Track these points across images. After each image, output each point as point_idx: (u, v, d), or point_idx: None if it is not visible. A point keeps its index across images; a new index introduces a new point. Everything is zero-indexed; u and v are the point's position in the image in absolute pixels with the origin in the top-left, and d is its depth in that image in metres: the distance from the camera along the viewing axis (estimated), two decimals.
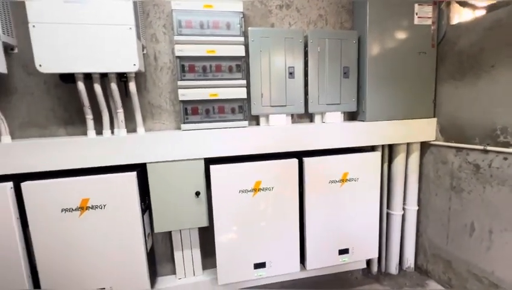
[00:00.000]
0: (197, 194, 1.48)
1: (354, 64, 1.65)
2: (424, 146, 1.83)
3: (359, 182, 1.62)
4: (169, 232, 1.64)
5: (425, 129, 1.75)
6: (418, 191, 1.89)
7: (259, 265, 1.57)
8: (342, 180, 1.60)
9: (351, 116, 1.82)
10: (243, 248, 1.53)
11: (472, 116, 1.53)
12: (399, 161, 1.82)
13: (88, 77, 1.31)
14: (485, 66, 1.45)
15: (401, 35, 1.64)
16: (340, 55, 1.62)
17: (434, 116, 1.76)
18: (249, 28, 1.51)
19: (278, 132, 1.56)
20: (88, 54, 1.23)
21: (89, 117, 1.37)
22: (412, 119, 1.72)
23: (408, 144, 1.82)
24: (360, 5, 1.66)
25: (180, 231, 1.61)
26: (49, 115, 1.47)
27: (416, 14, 1.64)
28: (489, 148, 1.43)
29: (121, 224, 1.36)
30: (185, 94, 1.46)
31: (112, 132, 1.43)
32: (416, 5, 1.64)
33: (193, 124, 1.49)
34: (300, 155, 1.59)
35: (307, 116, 1.78)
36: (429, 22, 1.67)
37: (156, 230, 1.47)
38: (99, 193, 1.32)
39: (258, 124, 1.66)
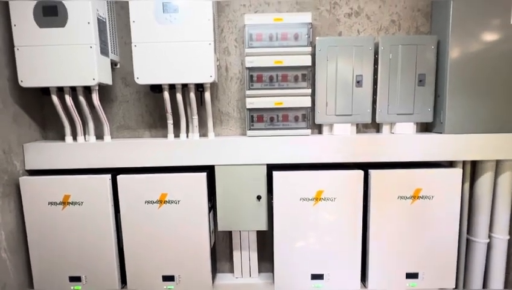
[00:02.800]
0: (259, 198, 1.53)
1: (431, 72, 1.52)
2: None
3: (434, 200, 1.46)
4: (230, 232, 1.74)
5: None
6: (511, 218, 1.60)
7: (317, 276, 1.53)
8: (414, 197, 1.46)
9: (426, 128, 1.66)
10: (301, 257, 1.53)
11: None
12: (485, 181, 1.58)
13: (172, 87, 1.51)
14: None
15: (492, 36, 1.44)
16: (415, 61, 1.51)
17: None
18: (317, 38, 1.52)
19: (341, 141, 1.52)
20: (175, 67, 1.41)
21: (170, 122, 1.57)
22: (503, 133, 1.48)
23: (497, 162, 1.57)
24: (441, 5, 1.52)
25: (240, 232, 1.69)
26: (138, 120, 1.72)
27: None
28: None
29: (190, 220, 1.51)
30: (252, 102, 1.55)
31: (187, 136, 1.60)
32: None
33: (258, 131, 1.57)
34: (365, 167, 1.52)
35: (374, 126, 1.69)
36: None
37: (219, 229, 1.57)
38: (176, 190, 1.49)
39: (320, 132, 1.65)
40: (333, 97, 1.55)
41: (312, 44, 1.52)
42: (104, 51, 1.45)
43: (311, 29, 1.50)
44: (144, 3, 1.37)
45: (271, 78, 1.54)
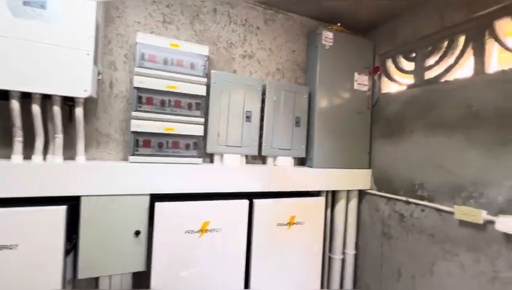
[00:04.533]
0: (137, 233, 1.35)
1: (305, 115, 1.84)
2: (361, 194, 2.04)
3: (305, 225, 1.69)
4: (97, 279, 1.42)
5: (362, 178, 1.97)
6: (356, 236, 2.04)
7: None
8: (290, 224, 1.65)
9: (301, 162, 1.95)
10: None
11: (398, 171, 1.79)
12: (340, 207, 1.98)
13: (27, 96, 1.19)
14: (406, 131, 1.76)
15: (343, 96, 1.91)
16: (293, 105, 1.79)
17: (369, 168, 2.00)
18: (212, 71, 1.59)
19: (231, 171, 1.58)
20: (33, 72, 1.13)
21: (18, 139, 1.21)
22: (352, 169, 1.93)
23: (348, 191, 2.00)
24: (311, 67, 1.91)
25: (110, 277, 1.41)
26: None
27: (356, 80, 1.95)
28: (410, 200, 1.67)
29: (33, 269, 1.14)
30: (139, 125, 1.41)
31: (44, 158, 1.27)
32: (356, 74, 1.95)
33: (143, 157, 1.42)
34: (251, 196, 1.61)
35: (261, 158, 1.85)
36: (365, 88, 1.99)
37: (80, 276, 1.26)
38: (17, 231, 1.11)
39: (211, 162, 1.66)
40: (225, 128, 1.61)
41: (208, 75, 1.56)
42: None
43: (207, 62, 1.55)
44: None
45: (163, 103, 1.47)
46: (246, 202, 1.55)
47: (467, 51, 1.49)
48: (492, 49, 1.39)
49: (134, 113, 1.40)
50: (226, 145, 1.62)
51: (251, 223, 1.56)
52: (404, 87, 1.86)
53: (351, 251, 2.01)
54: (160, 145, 1.47)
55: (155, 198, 1.40)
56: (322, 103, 1.84)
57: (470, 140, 1.40)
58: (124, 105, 1.52)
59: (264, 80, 1.81)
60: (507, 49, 1.33)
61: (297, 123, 1.81)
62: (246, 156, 1.72)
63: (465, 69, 1.51)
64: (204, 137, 1.57)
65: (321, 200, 1.78)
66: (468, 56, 1.48)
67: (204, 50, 1.55)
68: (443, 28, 1.59)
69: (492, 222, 1.24)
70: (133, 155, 1.41)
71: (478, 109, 1.38)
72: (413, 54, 1.79)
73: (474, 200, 1.36)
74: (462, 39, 1.53)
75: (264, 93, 1.72)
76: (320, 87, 1.84)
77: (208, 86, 1.57)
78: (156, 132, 1.45)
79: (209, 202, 1.47)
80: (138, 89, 1.41)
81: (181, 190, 1.46)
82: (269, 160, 1.79)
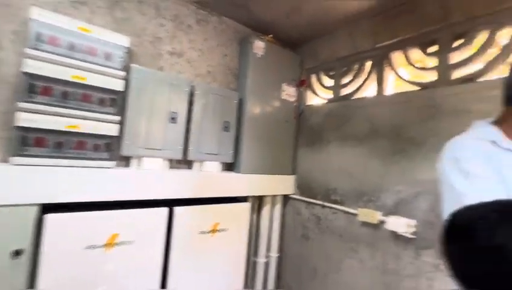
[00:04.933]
0: (17, 253, 1.08)
1: (234, 121, 1.83)
2: (286, 199, 2.15)
3: (229, 232, 1.66)
4: None
5: (287, 184, 2.08)
6: (280, 239, 2.13)
7: None
8: (213, 231, 1.60)
9: (228, 167, 1.94)
10: None
11: (317, 177, 1.95)
12: (266, 212, 2.03)
13: None
14: (325, 141, 1.94)
15: (272, 105, 1.99)
16: (222, 110, 1.77)
17: (293, 174, 2.13)
18: (133, 65, 1.43)
19: (149, 176, 1.44)
20: None
21: None
22: (277, 175, 2.01)
23: (273, 196, 2.08)
24: (243, 73, 1.93)
25: None
26: None
27: (284, 91, 2.06)
28: (325, 204, 1.83)
29: None
30: (30, 120, 1.15)
31: None
32: (283, 84, 2.06)
33: (33, 158, 1.16)
34: (173, 204, 1.50)
35: (186, 163, 1.75)
36: (293, 99, 2.12)
37: None
38: None
39: (127, 166, 1.49)
40: (145, 129, 1.47)
41: (127, 69, 1.40)
42: None
43: (127, 54, 1.39)
44: None
45: (65, 95, 1.24)
46: (165, 210, 1.43)
47: (372, 74, 1.73)
48: (388, 75, 1.65)
49: (22, 105, 1.14)
50: (146, 148, 1.47)
51: (170, 233, 1.45)
52: (325, 101, 2.05)
53: (274, 253, 2.08)
54: (59, 145, 1.23)
55: (50, 209, 1.16)
56: (251, 109, 1.87)
57: (372, 151, 1.63)
58: (10, 93, 1.23)
59: (193, 81, 1.74)
60: (399, 77, 1.60)
61: (226, 128, 1.79)
62: (170, 160, 1.61)
63: (370, 90, 1.76)
64: (119, 138, 1.40)
65: (246, 205, 1.79)
66: (373, 79, 1.73)
67: (124, 40, 1.38)
68: (355, 52, 1.82)
69: (384, 222, 1.46)
70: (18, 156, 1.14)
71: (378, 124, 1.61)
72: (333, 72, 2.00)
73: (373, 203, 1.57)
74: (369, 64, 1.78)
75: (192, 95, 1.64)
76: (251, 95, 1.87)
77: (127, 80, 1.41)
78: (54, 128, 1.21)
79: (119, 212, 1.30)
80: (30, 75, 1.15)
81: (86, 198, 1.25)
82: (195, 165, 1.71)
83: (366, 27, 1.74)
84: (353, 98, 1.82)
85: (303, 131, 2.13)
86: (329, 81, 2.04)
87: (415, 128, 1.43)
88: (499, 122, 0.75)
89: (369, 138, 1.65)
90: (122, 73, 1.37)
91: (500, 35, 1.25)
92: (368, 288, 1.53)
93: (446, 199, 0.65)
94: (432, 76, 1.44)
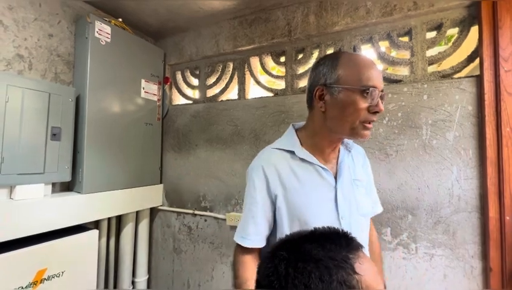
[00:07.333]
0: None
1: (69, 126, 1.38)
2: (153, 212, 1.89)
3: (66, 276, 1.25)
4: None
5: (153, 195, 1.82)
6: (148, 259, 1.86)
7: None
8: (36, 283, 1.15)
9: (67, 187, 1.47)
10: None
11: (186, 184, 1.81)
12: (128, 232, 1.71)
13: None
14: (193, 144, 1.81)
15: (128, 104, 1.66)
16: (47, 112, 1.29)
17: (161, 183, 1.89)
18: None
19: None
20: None
21: None
22: (140, 187, 1.71)
23: (137, 212, 1.77)
24: (80, 62, 1.49)
25: None
26: None
27: (143, 88, 1.76)
28: (196, 212, 1.73)
29: None
30: None
31: None
32: (143, 80, 1.76)
33: None
34: None
35: None
36: (155, 98, 1.85)
37: None
38: None
39: None
40: None
41: None
42: None
43: None
44: None
45: None
46: None
47: (235, 77, 1.74)
48: (249, 79, 1.71)
49: None
50: None
51: None
52: (191, 102, 1.91)
53: (142, 277, 1.80)
54: None
55: None
56: (96, 110, 1.47)
57: (236, 154, 1.64)
58: None
59: None
60: (257, 82, 1.68)
61: (56, 136, 1.32)
62: None
63: (234, 93, 1.77)
64: None
65: (93, 234, 1.41)
66: (236, 82, 1.74)
67: None
68: (219, 53, 1.77)
69: None
70: None
71: (241, 127, 1.64)
72: (198, 71, 1.88)
73: (239, 206, 1.60)
74: (231, 67, 1.77)
75: None
76: (93, 91, 1.46)
77: None
78: None
79: None
80: None
81: None
82: (2, 191, 1.17)
83: (228, 29, 1.71)
84: (219, 100, 1.78)
85: (169, 134, 1.92)
86: (195, 81, 1.92)
87: (270, 132, 1.54)
88: (304, 127, 0.87)
89: (233, 141, 1.66)
90: None
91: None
92: None
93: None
94: (283, 84, 1.59)
